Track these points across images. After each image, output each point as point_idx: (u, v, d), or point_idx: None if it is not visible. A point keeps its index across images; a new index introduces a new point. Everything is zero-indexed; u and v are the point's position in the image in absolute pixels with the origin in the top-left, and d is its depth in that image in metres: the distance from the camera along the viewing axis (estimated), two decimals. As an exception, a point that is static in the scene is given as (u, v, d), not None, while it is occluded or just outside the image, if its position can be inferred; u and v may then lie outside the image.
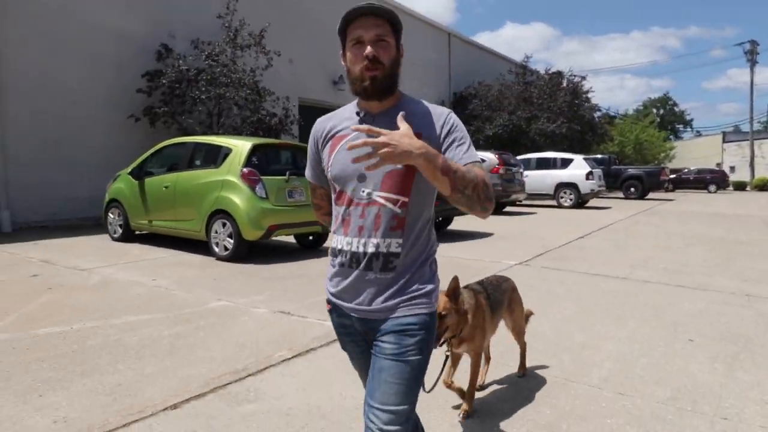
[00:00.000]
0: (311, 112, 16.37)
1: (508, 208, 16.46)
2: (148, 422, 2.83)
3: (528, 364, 3.64)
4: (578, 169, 17.75)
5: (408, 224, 1.64)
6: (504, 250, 8.50)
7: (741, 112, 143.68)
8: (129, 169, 8.74)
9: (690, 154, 57.71)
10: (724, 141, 59.37)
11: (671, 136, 72.78)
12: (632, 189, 23.13)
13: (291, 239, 9.11)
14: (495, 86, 24.59)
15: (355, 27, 1.64)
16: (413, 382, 1.62)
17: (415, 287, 1.65)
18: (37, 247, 8.40)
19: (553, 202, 18.13)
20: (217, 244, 7.35)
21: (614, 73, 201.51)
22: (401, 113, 1.57)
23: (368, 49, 1.60)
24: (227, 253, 7.21)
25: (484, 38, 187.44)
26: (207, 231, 7.43)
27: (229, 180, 7.17)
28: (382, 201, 1.63)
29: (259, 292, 5.63)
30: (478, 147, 21.21)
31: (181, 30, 12.90)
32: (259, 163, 7.40)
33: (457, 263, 7.23)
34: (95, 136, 11.69)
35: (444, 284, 2.06)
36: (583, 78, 27.51)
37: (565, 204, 17.74)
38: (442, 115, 1.70)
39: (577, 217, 14.66)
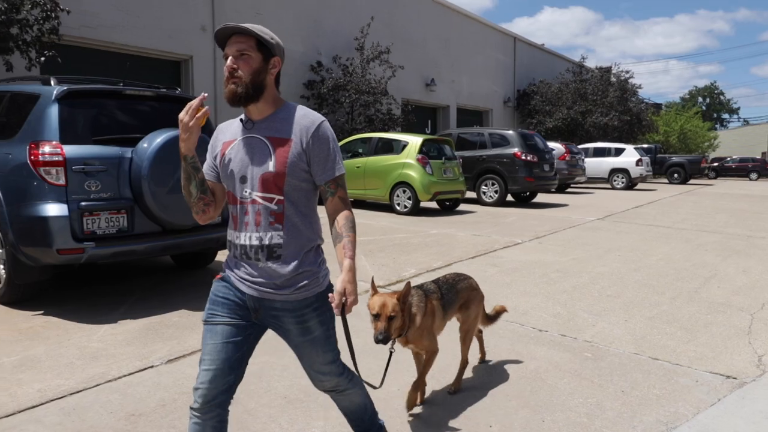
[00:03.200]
0: (412, 109, 20.30)
1: (570, 189, 20.07)
2: (460, 264, 6.80)
3: (622, 248, 7.46)
4: (629, 156, 21.21)
5: (286, 218, 1.93)
6: (581, 213, 12.22)
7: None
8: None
9: (735, 142, 59.27)
10: (770, 130, 60.76)
11: (717, 125, 74.22)
12: (675, 175, 26.36)
13: (434, 204, 12.98)
14: (554, 84, 28.02)
15: (226, 46, 1.91)
16: (330, 347, 2.08)
17: (303, 272, 1.96)
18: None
19: (607, 185, 21.62)
20: (398, 204, 11.32)
21: (659, 58, 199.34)
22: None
23: (227, 61, 1.89)
24: (406, 210, 11.17)
25: (521, 24, 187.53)
26: (390, 196, 11.41)
27: (409, 162, 11.11)
28: (260, 200, 1.92)
29: (450, 227, 9.54)
30: (541, 137, 24.78)
31: (325, 49, 16.93)
32: (426, 151, 11.32)
33: (554, 218, 11.05)
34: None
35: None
36: (630, 75, 30.80)
37: (617, 186, 21.23)
38: (313, 126, 1.94)
39: (629, 195, 18.22)
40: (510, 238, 8.46)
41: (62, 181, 4.09)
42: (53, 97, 4.27)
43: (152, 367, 3.55)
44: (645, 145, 26.93)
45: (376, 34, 17.97)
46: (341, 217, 1.96)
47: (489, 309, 3.69)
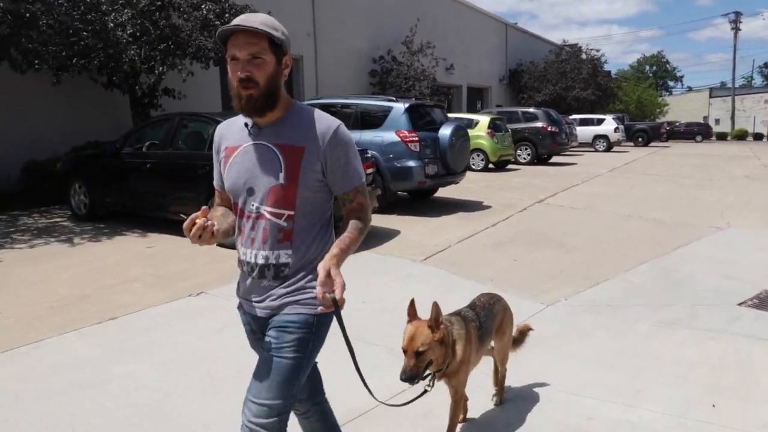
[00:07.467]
0: (437, 90, 25.00)
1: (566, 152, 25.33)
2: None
3: (619, 190, 12.60)
4: (609, 125, 26.61)
5: (296, 235, 1.77)
6: (593, 168, 17.29)
7: (727, 62, 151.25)
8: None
9: (679, 107, 66.13)
10: (710, 96, 67.84)
11: (664, 92, 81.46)
12: (640, 138, 32.09)
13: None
14: (540, 64, 33.08)
15: (231, 44, 1.68)
16: (287, 379, 1.74)
17: (302, 290, 1.80)
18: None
19: (591, 148, 26.99)
20: (474, 165, 16.14)
21: (601, 23, 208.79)
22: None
23: (240, 72, 1.67)
24: (480, 168, 16.02)
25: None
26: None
27: (481, 134, 15.90)
28: (268, 215, 1.76)
29: (522, 177, 14.39)
30: (533, 110, 29.96)
31: (383, 44, 21.36)
32: (491, 125, 16.13)
33: (579, 172, 16.14)
34: (345, 110, 20.40)
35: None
36: (600, 53, 36.36)
37: (600, 149, 26.62)
38: (329, 131, 1.75)
39: (613, 155, 23.59)
40: (569, 182, 13.46)
41: (418, 149, 8.75)
42: (403, 109, 8.91)
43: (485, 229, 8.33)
44: (612, 115, 32.44)
45: (413, 28, 22.46)
46: (352, 217, 1.82)
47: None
